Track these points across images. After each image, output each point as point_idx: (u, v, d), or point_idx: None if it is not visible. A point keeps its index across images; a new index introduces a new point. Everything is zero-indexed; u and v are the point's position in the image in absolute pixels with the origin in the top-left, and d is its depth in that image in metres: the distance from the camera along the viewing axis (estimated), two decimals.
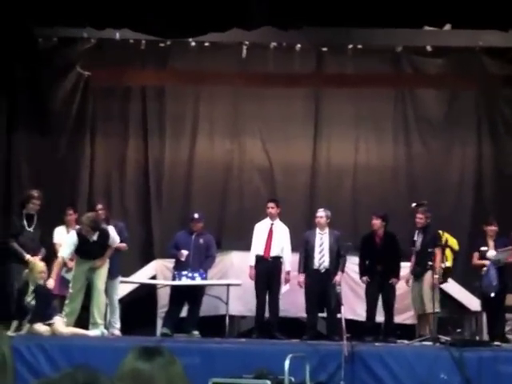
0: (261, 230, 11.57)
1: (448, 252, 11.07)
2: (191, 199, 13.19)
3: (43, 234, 11.32)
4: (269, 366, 8.15)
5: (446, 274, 11.10)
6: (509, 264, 11.06)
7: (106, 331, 10.62)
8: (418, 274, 11.09)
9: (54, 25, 11.78)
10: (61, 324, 10.00)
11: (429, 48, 12.94)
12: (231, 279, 11.72)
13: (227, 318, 11.34)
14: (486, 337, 11.20)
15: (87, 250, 10.42)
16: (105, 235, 10.50)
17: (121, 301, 11.41)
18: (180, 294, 11.45)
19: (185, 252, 11.48)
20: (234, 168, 13.37)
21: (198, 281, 11.38)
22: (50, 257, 11.00)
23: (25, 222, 11.21)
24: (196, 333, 11.30)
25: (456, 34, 12.30)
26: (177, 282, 11.44)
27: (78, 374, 2.05)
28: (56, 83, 13.09)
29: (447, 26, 11.59)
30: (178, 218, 12.94)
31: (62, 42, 12.92)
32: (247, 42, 12.97)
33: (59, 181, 12.81)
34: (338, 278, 11.05)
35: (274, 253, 11.40)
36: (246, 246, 11.60)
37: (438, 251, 10.88)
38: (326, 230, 11.33)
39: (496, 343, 10.16)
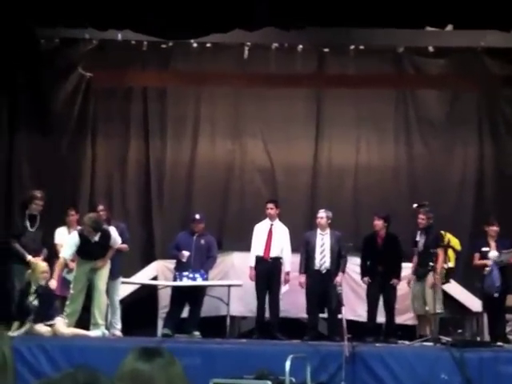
0: (260, 230, 11.57)
1: (450, 252, 11.05)
2: (192, 200, 13.18)
3: (45, 234, 11.33)
4: (269, 366, 8.15)
5: (449, 274, 11.05)
6: (511, 265, 11.06)
7: (106, 332, 10.61)
8: (420, 275, 11.07)
9: (56, 26, 11.79)
10: (62, 325, 10.00)
11: (430, 48, 12.94)
12: (232, 280, 11.71)
13: (228, 319, 11.34)
14: (487, 337, 11.20)
15: (89, 251, 10.42)
16: (106, 236, 10.50)
17: (122, 301, 11.41)
18: (181, 295, 11.45)
19: (186, 253, 11.48)
20: (235, 169, 13.36)
21: (199, 281, 11.38)
22: (52, 257, 11.01)
23: (27, 223, 11.22)
24: (197, 333, 11.29)
25: (458, 35, 12.29)
26: (178, 283, 11.44)
27: (78, 375, 2.06)
28: (58, 84, 13.09)
29: (449, 27, 11.57)
30: (179, 219, 12.93)
31: (63, 42, 12.93)
32: (249, 43, 12.98)
33: (61, 181, 12.80)
34: (338, 278, 11.05)
35: (273, 253, 11.40)
36: (247, 247, 11.61)
37: (440, 252, 10.86)
38: (327, 230, 11.33)
39: (497, 344, 10.14)
